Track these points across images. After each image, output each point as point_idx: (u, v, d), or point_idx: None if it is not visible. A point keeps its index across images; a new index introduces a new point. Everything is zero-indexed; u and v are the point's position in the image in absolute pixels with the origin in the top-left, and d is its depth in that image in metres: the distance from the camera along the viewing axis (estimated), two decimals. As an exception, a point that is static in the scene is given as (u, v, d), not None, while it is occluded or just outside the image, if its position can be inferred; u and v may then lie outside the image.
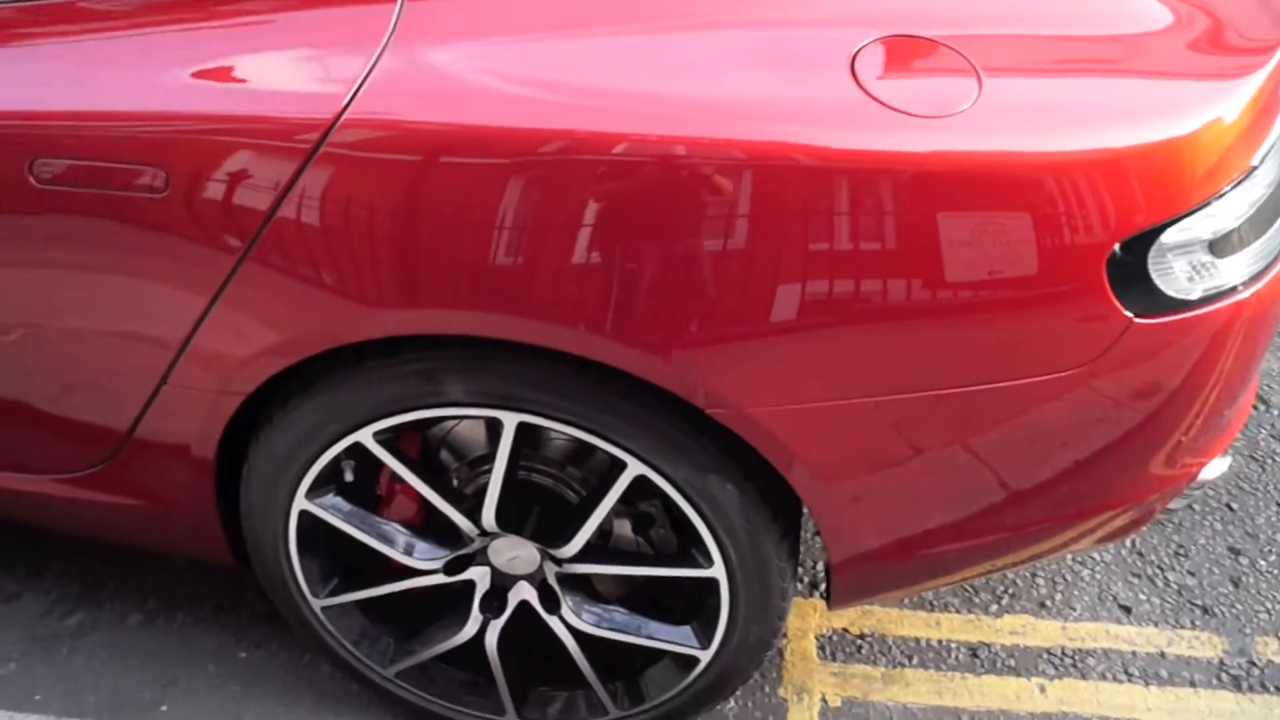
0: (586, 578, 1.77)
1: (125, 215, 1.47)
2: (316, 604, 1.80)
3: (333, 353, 1.53)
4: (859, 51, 1.37)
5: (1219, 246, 1.46)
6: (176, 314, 1.55)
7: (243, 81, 1.43)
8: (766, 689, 2.05)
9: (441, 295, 1.43)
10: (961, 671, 2.09)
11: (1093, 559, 2.30)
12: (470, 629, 1.79)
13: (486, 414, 1.54)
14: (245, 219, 1.42)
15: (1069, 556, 2.30)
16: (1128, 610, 2.20)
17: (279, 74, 1.44)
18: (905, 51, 1.41)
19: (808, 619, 2.18)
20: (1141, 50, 1.49)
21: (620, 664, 1.82)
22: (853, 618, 2.18)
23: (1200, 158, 1.41)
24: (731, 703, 2.03)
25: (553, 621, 1.75)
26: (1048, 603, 2.22)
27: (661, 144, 1.31)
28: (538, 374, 1.49)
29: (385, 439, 1.62)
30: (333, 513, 1.69)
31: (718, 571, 1.63)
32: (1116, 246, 1.38)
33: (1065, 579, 2.26)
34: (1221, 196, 1.43)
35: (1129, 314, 1.41)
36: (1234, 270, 1.49)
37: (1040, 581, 2.26)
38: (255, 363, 1.55)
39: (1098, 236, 1.37)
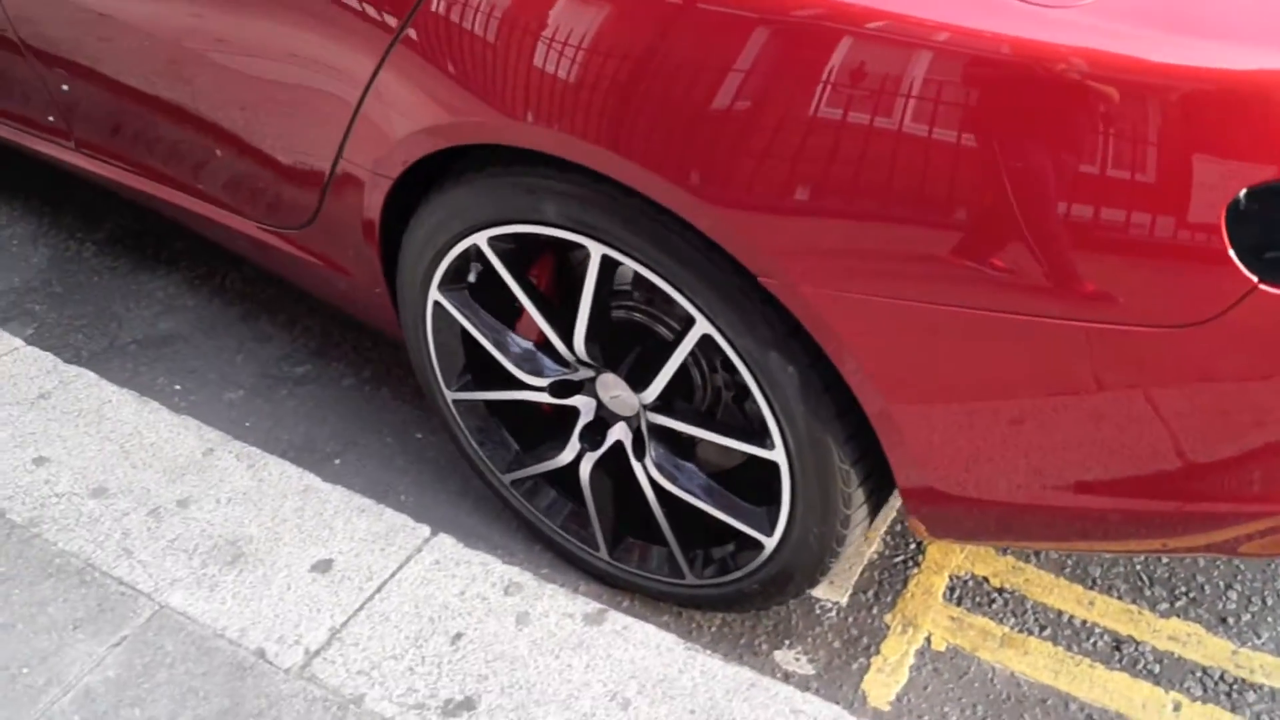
0: (682, 437, 1.76)
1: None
2: (449, 394, 1.92)
3: (466, 156, 1.60)
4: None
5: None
6: (346, 85, 1.68)
7: None
8: (875, 610, 1.97)
9: (546, 114, 1.45)
10: (1093, 660, 1.89)
11: (1313, 590, 1.99)
12: (567, 455, 1.84)
13: (575, 238, 1.56)
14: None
15: (1278, 580, 1.99)
16: (1326, 657, 1.89)
17: None
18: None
19: (950, 556, 2.05)
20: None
21: (700, 533, 1.81)
22: (998, 569, 2.03)
23: None
24: (834, 612, 1.96)
25: (637, 468, 1.77)
26: (1230, 620, 1.95)
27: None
28: (616, 206, 1.48)
29: (504, 250, 1.67)
30: (461, 310, 1.78)
31: (778, 456, 1.58)
32: (1242, 193, 1.17)
33: (1265, 601, 1.97)
34: None
35: (1253, 277, 1.19)
36: None
37: (1233, 595, 1.98)
38: (400, 149, 1.66)
39: (1217, 176, 1.17)
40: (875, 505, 1.65)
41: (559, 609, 1.81)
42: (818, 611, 1.96)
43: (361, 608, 1.82)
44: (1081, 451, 1.44)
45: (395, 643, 1.77)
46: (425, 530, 1.94)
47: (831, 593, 1.99)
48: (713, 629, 1.93)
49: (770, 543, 1.69)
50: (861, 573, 2.02)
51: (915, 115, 1.23)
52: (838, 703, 1.78)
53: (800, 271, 1.36)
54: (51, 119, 2.33)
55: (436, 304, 1.80)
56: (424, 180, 1.71)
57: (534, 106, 1.44)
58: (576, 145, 1.43)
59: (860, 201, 1.29)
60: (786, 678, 1.86)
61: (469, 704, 1.69)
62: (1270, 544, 1.53)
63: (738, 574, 1.77)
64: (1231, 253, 1.19)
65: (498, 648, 1.76)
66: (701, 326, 1.52)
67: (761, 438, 1.58)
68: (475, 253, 1.69)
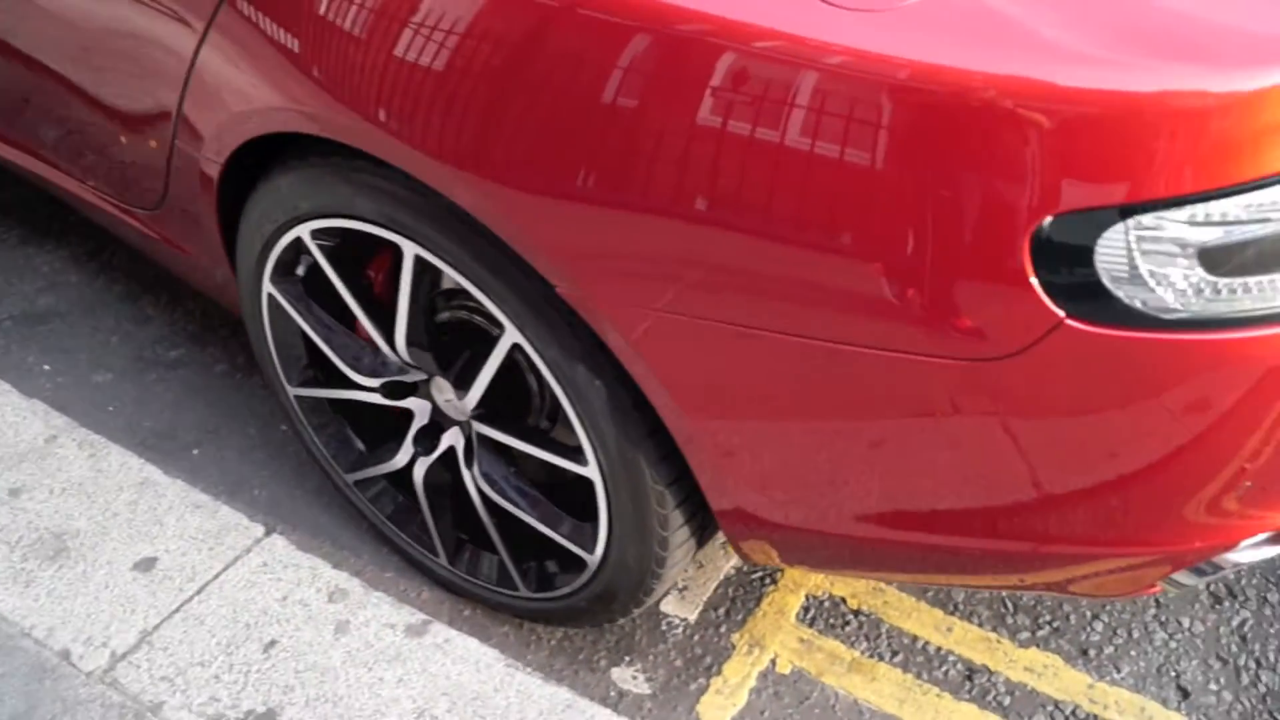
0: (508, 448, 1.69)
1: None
2: (289, 390, 1.85)
3: (297, 143, 1.53)
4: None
5: (1223, 258, 1.13)
6: (172, 69, 1.60)
7: None
8: (724, 628, 1.90)
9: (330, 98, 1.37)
10: (941, 689, 1.82)
11: (1179, 623, 1.92)
12: (402, 458, 1.77)
13: (389, 236, 1.48)
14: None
15: (1149, 611, 1.93)
16: (1186, 694, 1.82)
17: None
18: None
19: (809, 575, 1.98)
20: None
21: (532, 546, 1.74)
22: (857, 590, 1.96)
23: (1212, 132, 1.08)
24: (681, 629, 1.89)
25: (466, 475, 1.70)
26: (1092, 652, 1.88)
27: None
28: (426, 205, 1.41)
29: (331, 244, 1.60)
30: (293, 304, 1.71)
31: (593, 473, 1.51)
32: (1046, 222, 1.10)
33: (1131, 634, 1.90)
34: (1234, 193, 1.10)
35: (1059, 311, 1.12)
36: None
37: (1099, 626, 1.91)
38: (223, 133, 1.58)
39: (1024, 200, 1.09)
40: (699, 528, 1.58)
41: (381, 619, 1.74)
42: (664, 628, 1.90)
43: (178, 610, 1.75)
44: (899, 484, 1.37)
45: (205, 649, 1.70)
46: (259, 530, 1.87)
47: (681, 608, 1.92)
48: (553, 643, 1.87)
49: (592, 560, 1.62)
50: (716, 588, 1.96)
51: (702, 113, 1.16)
52: (667, 726, 1.72)
53: (591, 281, 1.29)
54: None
55: (270, 296, 1.72)
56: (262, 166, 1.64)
57: (324, 92, 1.37)
58: (358, 132, 1.36)
59: (646, 208, 1.21)
60: (621, 697, 1.79)
61: (269, 716, 1.62)
62: (1100, 585, 1.47)
63: (566, 590, 1.71)
64: (1035, 284, 1.12)
65: (310, 658, 1.69)
66: (511, 335, 1.45)
67: (578, 454, 1.51)
68: (302, 245, 1.62)
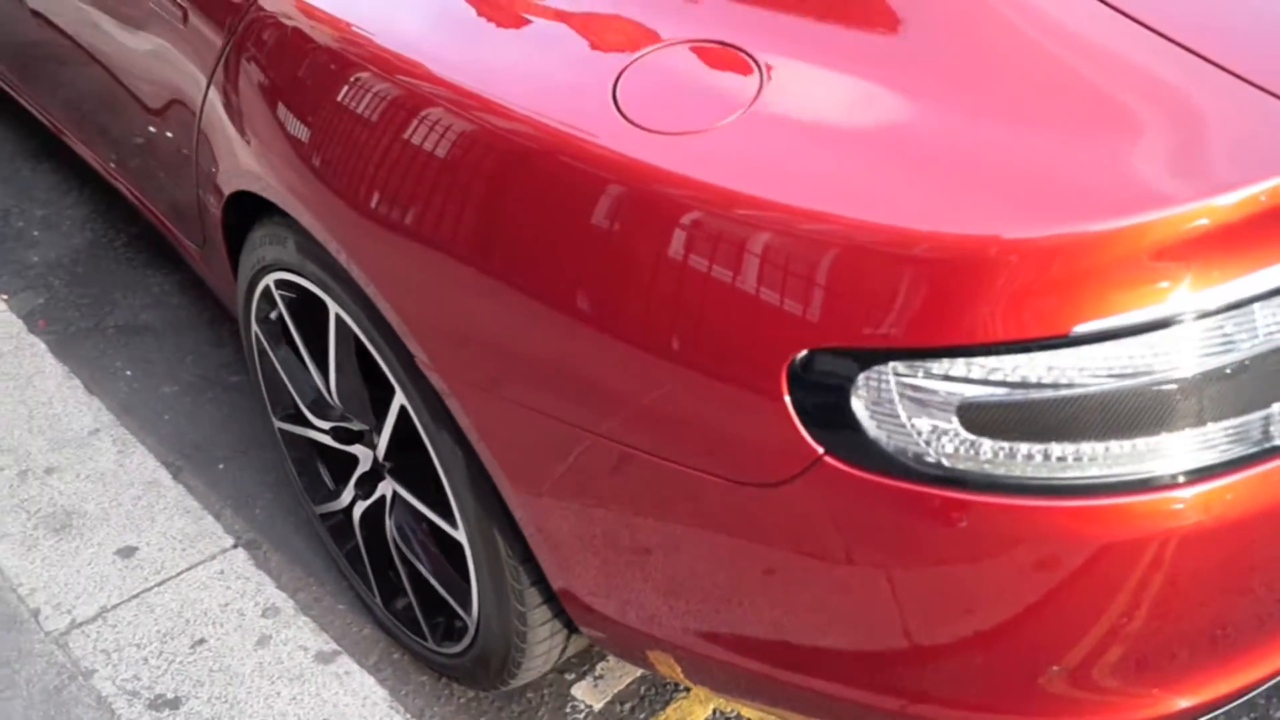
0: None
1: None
2: (275, 422, 2.06)
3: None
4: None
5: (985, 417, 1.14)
6: (187, 119, 1.86)
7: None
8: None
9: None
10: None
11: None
12: (344, 499, 1.94)
13: (319, 292, 1.67)
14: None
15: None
16: None
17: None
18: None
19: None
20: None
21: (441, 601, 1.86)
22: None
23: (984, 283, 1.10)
24: (584, 716, 1.97)
25: (387, 523, 1.85)
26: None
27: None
28: (335, 265, 1.59)
29: (290, 298, 1.80)
30: (269, 344, 1.92)
31: (462, 537, 1.63)
32: (805, 353, 1.15)
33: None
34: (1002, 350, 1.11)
35: (818, 446, 1.17)
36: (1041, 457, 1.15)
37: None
38: (218, 188, 1.83)
39: (784, 330, 1.15)
40: (562, 610, 1.66)
41: (298, 640, 1.90)
42: (569, 710, 1.98)
43: (136, 595, 1.97)
44: (704, 597, 1.42)
45: (146, 634, 1.90)
46: (229, 541, 2.08)
47: (590, 694, 2.00)
48: (461, 701, 1.98)
49: (470, 622, 1.73)
50: (630, 683, 2.02)
51: (506, 211, 1.30)
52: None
53: (435, 354, 1.43)
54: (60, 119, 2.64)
55: (255, 335, 1.94)
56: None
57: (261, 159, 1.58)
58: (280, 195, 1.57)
59: (465, 294, 1.35)
60: (500, 764, 1.88)
61: (174, 704, 1.80)
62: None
63: (456, 647, 1.82)
64: (794, 417, 1.18)
65: (227, 661, 1.86)
66: (399, 396, 1.60)
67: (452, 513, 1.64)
68: (270, 292, 1.83)
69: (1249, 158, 1.11)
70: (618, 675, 2.02)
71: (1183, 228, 1.06)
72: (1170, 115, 1.18)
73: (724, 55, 1.28)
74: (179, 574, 2.01)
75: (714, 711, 1.98)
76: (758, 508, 1.27)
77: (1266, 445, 1.14)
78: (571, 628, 1.70)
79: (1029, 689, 1.29)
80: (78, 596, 1.96)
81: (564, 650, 1.75)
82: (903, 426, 1.15)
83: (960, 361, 1.11)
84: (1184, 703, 1.29)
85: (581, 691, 2.00)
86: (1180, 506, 1.13)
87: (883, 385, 1.14)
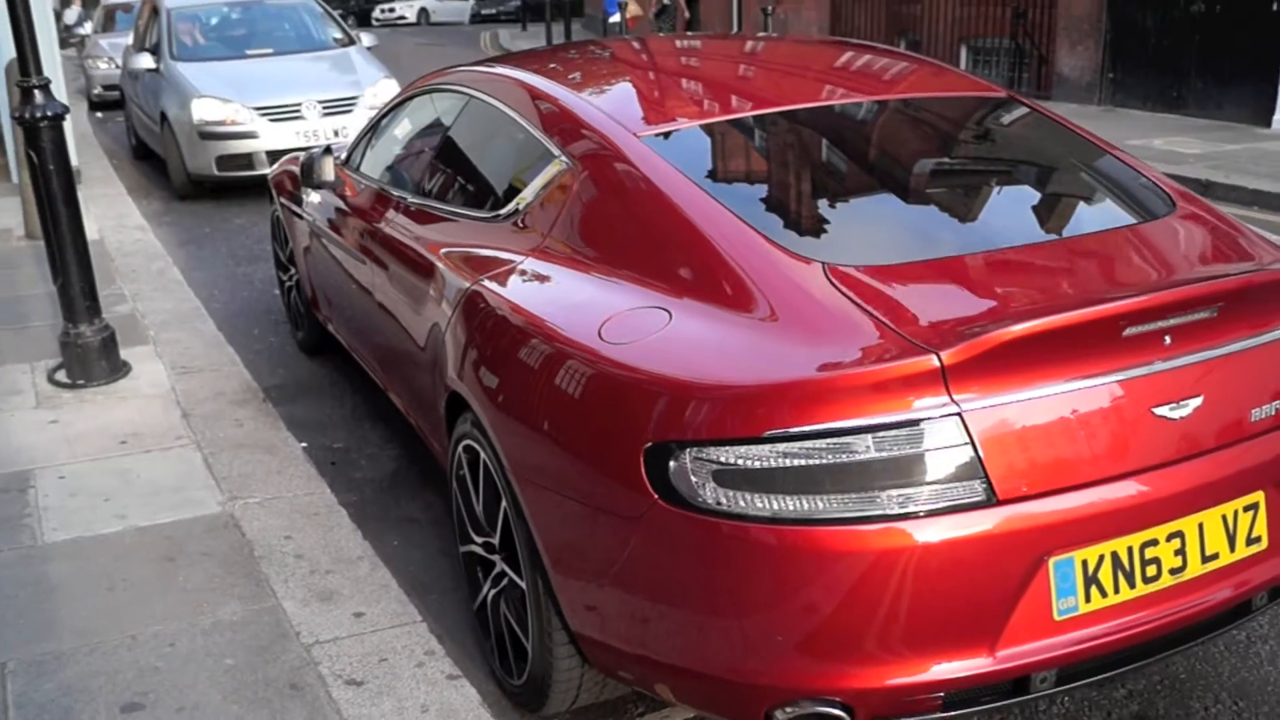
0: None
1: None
2: (459, 546, 3.37)
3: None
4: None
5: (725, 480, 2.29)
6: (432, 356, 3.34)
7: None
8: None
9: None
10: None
11: None
12: (485, 592, 3.19)
13: (476, 445, 3.03)
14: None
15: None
16: None
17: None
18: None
19: None
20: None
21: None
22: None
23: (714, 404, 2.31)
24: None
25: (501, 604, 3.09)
26: None
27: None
28: (480, 425, 2.95)
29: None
30: (458, 488, 3.27)
31: (524, 583, 2.85)
32: (651, 443, 2.37)
33: None
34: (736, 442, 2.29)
35: (654, 494, 2.37)
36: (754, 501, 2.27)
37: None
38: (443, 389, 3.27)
39: (640, 431, 2.39)
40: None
41: (440, 669, 3.10)
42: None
43: (358, 635, 3.25)
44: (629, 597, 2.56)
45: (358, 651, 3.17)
46: (417, 615, 3.34)
47: (612, 741, 3.04)
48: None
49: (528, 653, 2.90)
50: (643, 739, 3.05)
51: (496, 347, 2.62)
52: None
53: (514, 470, 2.74)
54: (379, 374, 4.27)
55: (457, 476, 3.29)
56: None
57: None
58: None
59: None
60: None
61: (359, 685, 3.03)
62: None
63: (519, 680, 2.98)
64: (645, 477, 2.35)
65: (397, 671, 3.09)
66: (504, 501, 2.89)
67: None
68: (458, 454, 3.20)
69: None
70: (635, 734, 3.06)
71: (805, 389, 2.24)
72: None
73: (651, 312, 2.57)
74: (385, 629, 3.28)
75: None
76: (630, 531, 2.42)
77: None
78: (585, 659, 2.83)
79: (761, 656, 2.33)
80: (324, 630, 3.26)
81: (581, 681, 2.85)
82: (690, 483, 2.31)
83: (710, 448, 2.27)
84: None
85: (607, 739, 3.05)
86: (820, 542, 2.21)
87: (682, 460, 2.31)
